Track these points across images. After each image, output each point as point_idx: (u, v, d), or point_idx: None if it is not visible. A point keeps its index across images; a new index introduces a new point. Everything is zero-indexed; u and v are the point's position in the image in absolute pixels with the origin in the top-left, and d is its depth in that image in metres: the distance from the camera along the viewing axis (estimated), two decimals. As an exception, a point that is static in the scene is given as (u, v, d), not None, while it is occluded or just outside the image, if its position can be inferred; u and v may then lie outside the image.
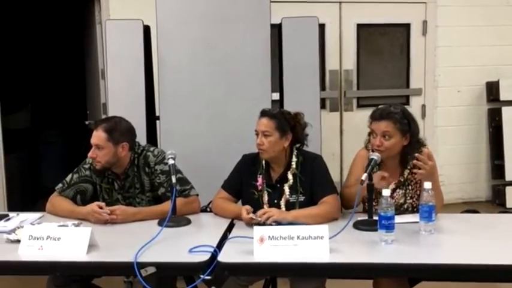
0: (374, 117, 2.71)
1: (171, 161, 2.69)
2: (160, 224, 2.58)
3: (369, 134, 2.78)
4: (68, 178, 2.89)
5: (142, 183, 2.87)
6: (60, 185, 2.87)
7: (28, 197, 5.88)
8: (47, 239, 2.27)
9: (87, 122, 5.29)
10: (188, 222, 2.67)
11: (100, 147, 2.77)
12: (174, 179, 2.60)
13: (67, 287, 2.64)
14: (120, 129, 2.81)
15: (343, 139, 5.39)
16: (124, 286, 3.60)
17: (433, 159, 2.70)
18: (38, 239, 2.28)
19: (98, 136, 2.78)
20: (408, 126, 2.69)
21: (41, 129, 6.83)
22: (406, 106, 5.33)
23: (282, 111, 2.83)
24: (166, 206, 2.64)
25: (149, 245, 2.29)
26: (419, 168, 2.59)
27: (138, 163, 2.87)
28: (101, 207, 2.65)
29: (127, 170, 2.86)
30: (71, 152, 6.33)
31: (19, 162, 5.87)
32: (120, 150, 2.79)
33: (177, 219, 2.62)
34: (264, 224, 2.49)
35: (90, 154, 2.80)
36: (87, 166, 2.90)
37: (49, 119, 7.02)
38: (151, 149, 2.91)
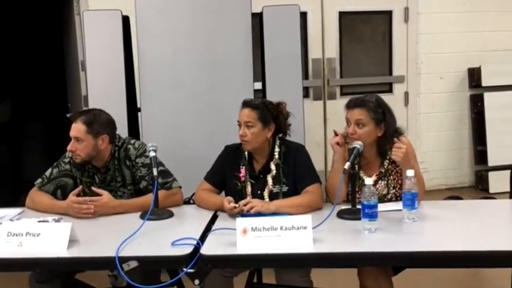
0: (348, 106, 2.71)
1: (152, 153, 2.66)
2: (142, 217, 2.55)
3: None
4: (48, 173, 2.84)
5: (123, 176, 2.83)
6: (39, 179, 2.83)
7: (10, 191, 5.81)
8: (26, 235, 2.23)
9: (68, 115, 5.22)
10: (171, 214, 2.64)
11: (79, 139, 2.72)
12: (155, 172, 2.58)
13: (50, 283, 2.61)
14: (99, 122, 2.76)
15: (327, 128, 5.38)
16: (109, 280, 3.58)
17: (410, 146, 2.69)
18: (16, 235, 2.24)
19: (77, 128, 2.73)
20: (383, 115, 2.67)
21: (22, 122, 6.74)
22: (389, 93, 5.49)
23: (264, 102, 2.80)
24: (148, 198, 2.61)
25: (131, 239, 2.27)
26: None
27: (119, 156, 2.83)
28: (78, 195, 2.62)
29: (107, 163, 2.82)
30: (53, 145, 6.26)
31: (0, 156, 5.79)
32: (100, 142, 2.75)
33: (159, 212, 2.59)
34: (247, 213, 2.47)
35: (69, 147, 2.75)
36: (66, 160, 2.86)
37: (30, 112, 6.93)
38: (132, 141, 2.88)
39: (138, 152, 2.81)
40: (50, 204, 2.72)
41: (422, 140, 5.64)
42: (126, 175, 2.82)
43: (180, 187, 2.84)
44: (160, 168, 2.74)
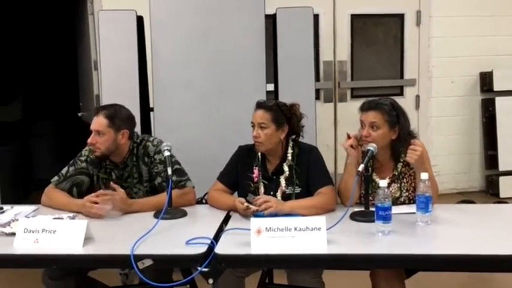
0: (363, 108, 2.71)
1: (166, 153, 2.68)
2: (156, 216, 2.56)
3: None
4: (64, 171, 2.86)
5: (140, 173, 2.85)
6: (56, 177, 2.85)
7: (21, 189, 5.85)
8: (42, 231, 2.25)
9: (79, 114, 5.25)
10: (184, 214, 2.65)
11: (101, 133, 2.75)
12: (169, 171, 2.58)
13: (62, 280, 2.62)
14: (121, 116, 2.79)
15: (338, 130, 5.39)
16: (119, 278, 3.61)
17: (424, 148, 2.69)
18: (33, 232, 2.25)
19: (99, 122, 2.76)
20: (397, 118, 2.67)
21: (33, 121, 6.78)
22: (400, 97, 5.48)
23: (277, 103, 2.81)
24: (162, 197, 2.63)
25: (145, 237, 2.28)
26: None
27: (138, 153, 2.85)
28: (96, 197, 2.63)
29: (126, 159, 2.84)
30: (64, 144, 6.30)
31: (11, 154, 5.84)
32: (120, 137, 2.78)
33: (173, 211, 2.60)
34: (260, 214, 2.48)
35: (89, 140, 2.77)
36: (83, 158, 2.88)
37: (41, 110, 6.96)
38: (151, 139, 2.90)
39: (156, 148, 2.83)
40: (66, 202, 2.73)
41: (433, 144, 5.63)
42: (143, 172, 2.84)
43: (194, 187, 2.85)
44: (176, 166, 2.76)
